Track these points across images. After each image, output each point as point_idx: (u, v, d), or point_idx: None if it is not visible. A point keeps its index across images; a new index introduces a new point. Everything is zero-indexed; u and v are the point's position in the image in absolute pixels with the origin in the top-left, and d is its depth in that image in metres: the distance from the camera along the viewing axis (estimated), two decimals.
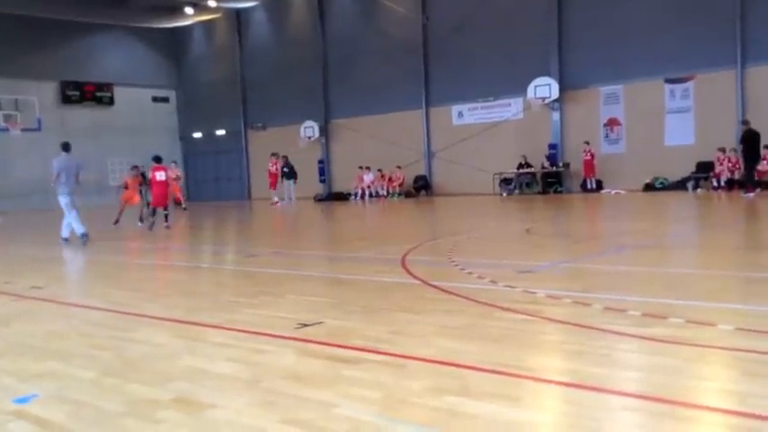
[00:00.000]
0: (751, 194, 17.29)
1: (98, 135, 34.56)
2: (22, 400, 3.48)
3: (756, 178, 18.38)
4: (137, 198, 16.38)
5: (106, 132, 34.87)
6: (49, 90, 33.14)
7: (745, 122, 18.29)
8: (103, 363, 4.16)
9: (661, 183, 22.03)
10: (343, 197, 29.15)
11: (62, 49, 33.33)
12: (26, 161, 31.75)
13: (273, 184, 26.48)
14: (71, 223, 12.52)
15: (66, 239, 12.67)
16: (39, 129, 30.46)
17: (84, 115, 34.43)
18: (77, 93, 34.21)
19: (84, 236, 12.29)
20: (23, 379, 3.90)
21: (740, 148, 17.90)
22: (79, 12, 31.24)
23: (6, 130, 29.55)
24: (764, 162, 19.58)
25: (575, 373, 3.52)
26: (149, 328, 5.14)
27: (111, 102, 35.48)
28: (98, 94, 35.00)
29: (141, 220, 15.74)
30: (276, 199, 25.95)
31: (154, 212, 15.33)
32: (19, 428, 3.13)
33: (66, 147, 12.71)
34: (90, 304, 6.21)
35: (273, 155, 27.16)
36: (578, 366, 3.64)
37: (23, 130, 29.90)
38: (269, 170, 26.97)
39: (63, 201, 12.41)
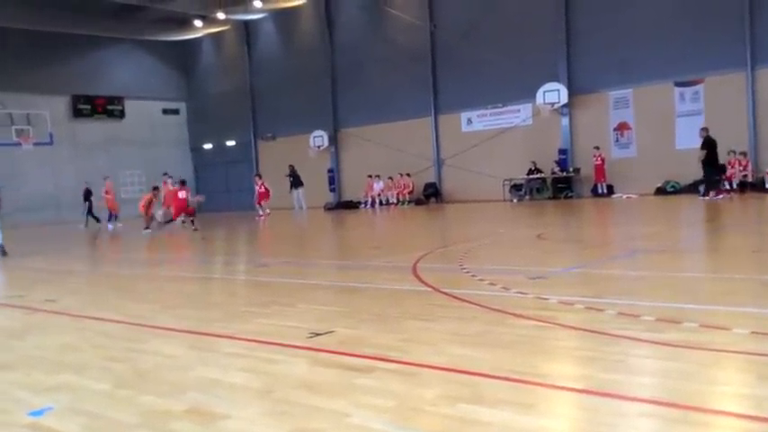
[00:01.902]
0: (707, 198, 17.72)
1: (109, 148, 34.88)
2: (37, 413, 3.49)
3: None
4: (150, 211, 19.37)
5: (117, 145, 35.17)
6: (61, 104, 33.43)
7: (705, 129, 18.63)
8: (117, 374, 4.17)
9: (672, 186, 21.91)
10: (353, 205, 29.19)
11: (73, 64, 33.64)
12: (38, 175, 32.06)
13: (260, 201, 25.37)
14: None
15: None
16: (50, 143, 30.71)
17: (95, 128, 34.72)
18: (88, 106, 34.50)
19: None
20: (37, 392, 3.92)
21: (702, 154, 18.18)
22: (89, 26, 31.57)
23: (18, 144, 29.78)
24: None
25: (588, 380, 3.50)
26: (162, 339, 5.15)
27: (121, 115, 35.76)
28: (109, 107, 35.28)
29: (147, 227, 18.91)
30: (264, 212, 24.94)
31: (170, 221, 19.16)
32: None
33: None
34: (103, 316, 6.24)
35: (258, 175, 26.75)
36: (592, 372, 3.61)
37: (35, 144, 30.12)
38: (258, 190, 25.65)
39: None
